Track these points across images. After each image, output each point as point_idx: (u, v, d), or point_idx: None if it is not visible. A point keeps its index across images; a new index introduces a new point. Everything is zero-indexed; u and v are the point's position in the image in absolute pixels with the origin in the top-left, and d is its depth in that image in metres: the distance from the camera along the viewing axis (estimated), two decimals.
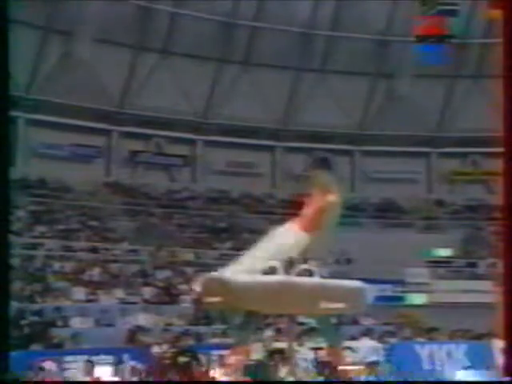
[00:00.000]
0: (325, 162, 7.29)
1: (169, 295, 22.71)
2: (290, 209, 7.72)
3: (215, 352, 17.75)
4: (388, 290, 26.87)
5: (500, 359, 13.74)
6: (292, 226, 7.04)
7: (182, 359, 17.12)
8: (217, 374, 15.31)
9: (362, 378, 16.45)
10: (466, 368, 19.10)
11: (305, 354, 17.74)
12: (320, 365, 17.29)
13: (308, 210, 7.14)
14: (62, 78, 28.40)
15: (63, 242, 24.34)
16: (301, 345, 17.08)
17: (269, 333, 19.81)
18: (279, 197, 30.92)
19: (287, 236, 6.93)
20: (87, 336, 18.39)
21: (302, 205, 7.35)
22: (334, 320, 7.09)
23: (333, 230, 7.12)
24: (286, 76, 32.14)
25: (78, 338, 18.33)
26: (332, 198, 7.12)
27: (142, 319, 20.36)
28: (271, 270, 6.76)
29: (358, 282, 7.39)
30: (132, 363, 17.10)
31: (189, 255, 26.18)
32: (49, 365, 15.83)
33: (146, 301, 21.92)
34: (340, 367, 7.21)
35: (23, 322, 18.31)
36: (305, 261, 6.93)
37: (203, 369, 17.01)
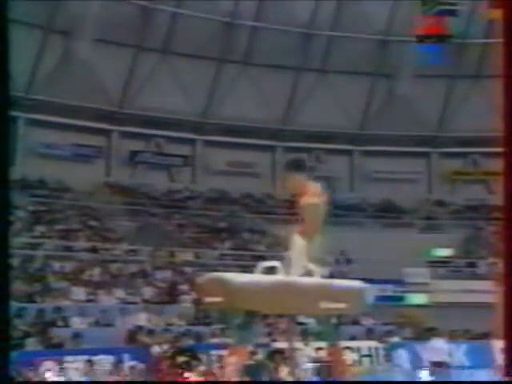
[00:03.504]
0: (298, 164, 7.23)
1: (169, 295, 22.72)
2: (290, 209, 7.69)
3: (215, 352, 17.78)
4: (388, 290, 26.89)
5: (500, 359, 13.75)
6: (297, 233, 7.02)
7: (182, 359, 17.15)
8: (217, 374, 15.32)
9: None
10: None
11: (305, 354, 17.76)
12: (320, 365, 17.31)
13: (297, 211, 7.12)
14: (62, 77, 28.39)
15: (63, 242, 24.34)
16: (301, 345, 17.10)
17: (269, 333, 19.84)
18: (279, 197, 30.92)
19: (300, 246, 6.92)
20: (87, 336, 18.40)
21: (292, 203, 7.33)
22: (334, 320, 7.07)
23: (323, 230, 7.08)
24: (286, 76, 32.14)
25: (78, 338, 18.34)
26: (309, 199, 7.08)
27: (143, 319, 20.37)
28: (271, 270, 6.75)
29: (358, 281, 7.38)
30: (132, 363, 17.13)
31: (189, 255, 26.19)
32: (49, 365, 15.84)
33: (145, 301, 21.92)
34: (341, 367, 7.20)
35: (23, 322, 18.32)
36: (305, 261, 6.92)
37: (202, 368, 17.04)
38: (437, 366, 18.56)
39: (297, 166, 7.47)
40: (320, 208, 7.07)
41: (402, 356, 21.11)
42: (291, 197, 7.27)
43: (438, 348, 18.98)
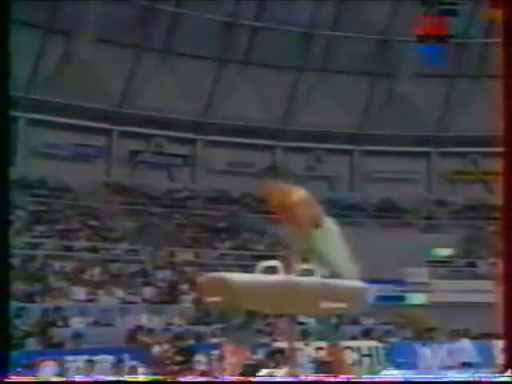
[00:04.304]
0: (274, 169, 7.17)
1: (169, 295, 22.72)
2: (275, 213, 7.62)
3: (215, 352, 17.77)
4: (388, 290, 26.88)
5: (500, 359, 13.75)
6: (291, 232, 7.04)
7: (178, 358, 17.17)
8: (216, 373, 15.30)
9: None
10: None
11: (305, 353, 17.75)
12: (320, 365, 17.30)
13: (284, 213, 7.10)
14: (63, 77, 28.41)
15: (63, 241, 24.34)
16: (301, 345, 17.10)
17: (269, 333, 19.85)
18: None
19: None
20: (87, 336, 18.39)
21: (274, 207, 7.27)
22: (334, 320, 7.07)
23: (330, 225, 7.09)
24: (286, 76, 32.15)
25: (78, 338, 18.33)
26: (295, 196, 7.06)
27: (144, 319, 20.38)
28: (271, 270, 6.75)
29: (358, 281, 7.38)
30: (132, 363, 17.11)
31: (189, 255, 26.19)
32: (49, 365, 15.84)
33: (146, 300, 21.93)
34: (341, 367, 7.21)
35: (23, 322, 18.32)
36: (305, 260, 6.93)
37: (199, 368, 17.05)
38: (464, 366, 18.69)
39: (273, 172, 7.41)
40: (311, 203, 7.07)
41: (427, 355, 21.13)
42: (273, 200, 7.20)
43: (465, 348, 19.11)
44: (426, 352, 20.91)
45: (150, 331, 19.55)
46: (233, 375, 6.31)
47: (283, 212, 7.04)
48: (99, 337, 18.38)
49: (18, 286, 19.28)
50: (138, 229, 27.23)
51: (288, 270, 6.72)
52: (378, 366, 19.74)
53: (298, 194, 6.98)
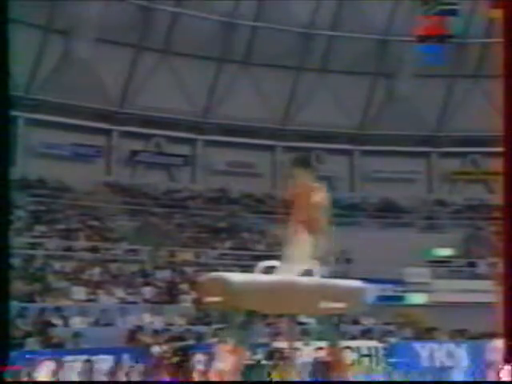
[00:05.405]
0: (305, 161, 7.34)
1: (169, 295, 22.71)
2: (288, 208, 7.66)
3: (215, 352, 17.76)
4: (388, 290, 26.88)
5: (500, 359, 13.74)
6: (298, 231, 7.03)
7: (175, 359, 17.18)
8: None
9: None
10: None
11: (305, 353, 17.76)
12: (320, 365, 17.31)
13: (300, 211, 7.12)
14: (62, 77, 28.40)
15: (63, 241, 24.33)
16: (301, 345, 17.11)
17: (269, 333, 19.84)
18: (279, 197, 30.90)
19: (303, 244, 6.93)
20: (87, 336, 18.38)
21: (290, 202, 7.32)
22: (334, 320, 7.08)
23: (329, 229, 7.12)
24: (286, 76, 32.15)
25: (78, 338, 18.33)
26: (317, 197, 7.10)
27: (145, 319, 20.38)
28: (271, 270, 6.76)
29: (358, 281, 7.39)
30: (132, 363, 17.11)
31: (189, 255, 26.18)
32: (49, 365, 15.84)
33: (146, 300, 21.92)
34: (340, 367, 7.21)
35: (23, 322, 18.32)
36: (305, 261, 6.93)
37: (194, 368, 17.07)
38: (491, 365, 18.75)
39: (305, 164, 7.45)
40: (327, 207, 7.12)
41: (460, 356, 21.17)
42: (292, 195, 7.27)
43: (499, 348, 19.13)
44: (461, 353, 20.96)
45: (150, 331, 19.54)
46: (232, 375, 6.31)
47: (300, 209, 7.05)
48: (99, 337, 18.37)
49: (17, 286, 19.26)
50: (138, 229, 27.23)
51: (288, 271, 6.71)
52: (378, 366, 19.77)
53: (322, 195, 7.04)
